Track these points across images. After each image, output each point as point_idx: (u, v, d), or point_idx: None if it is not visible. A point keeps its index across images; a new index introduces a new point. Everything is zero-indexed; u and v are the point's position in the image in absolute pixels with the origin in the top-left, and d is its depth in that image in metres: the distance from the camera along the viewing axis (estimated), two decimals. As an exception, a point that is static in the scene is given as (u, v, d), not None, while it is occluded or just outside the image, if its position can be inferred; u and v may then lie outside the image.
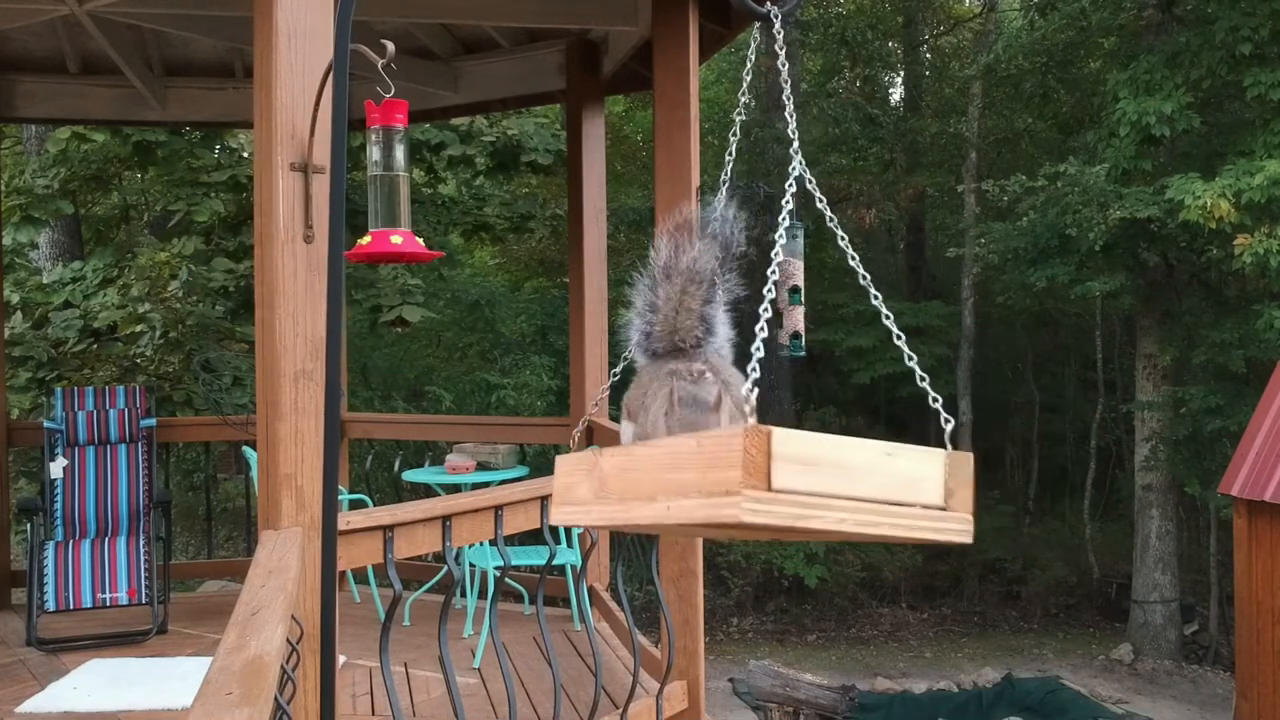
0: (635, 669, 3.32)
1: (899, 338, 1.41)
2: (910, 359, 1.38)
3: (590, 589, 4.78)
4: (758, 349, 1.27)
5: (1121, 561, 15.90)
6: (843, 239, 1.53)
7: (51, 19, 4.66)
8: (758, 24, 1.84)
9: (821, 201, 1.53)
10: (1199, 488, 13.88)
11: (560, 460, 1.40)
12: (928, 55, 21.61)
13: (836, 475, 1.10)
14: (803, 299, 2.36)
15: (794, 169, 1.50)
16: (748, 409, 1.20)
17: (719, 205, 1.56)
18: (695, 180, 3.68)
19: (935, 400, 1.33)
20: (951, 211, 19.36)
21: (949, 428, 1.28)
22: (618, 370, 1.67)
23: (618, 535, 4.58)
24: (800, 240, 2.36)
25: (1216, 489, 11.27)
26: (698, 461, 1.11)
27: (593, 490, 1.30)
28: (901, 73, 21.47)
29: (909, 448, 1.16)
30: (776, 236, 1.46)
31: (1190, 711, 12.61)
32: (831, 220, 1.54)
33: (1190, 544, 15.82)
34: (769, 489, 1.05)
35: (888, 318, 1.41)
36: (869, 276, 1.46)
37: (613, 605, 4.71)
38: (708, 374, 1.46)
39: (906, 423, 17.69)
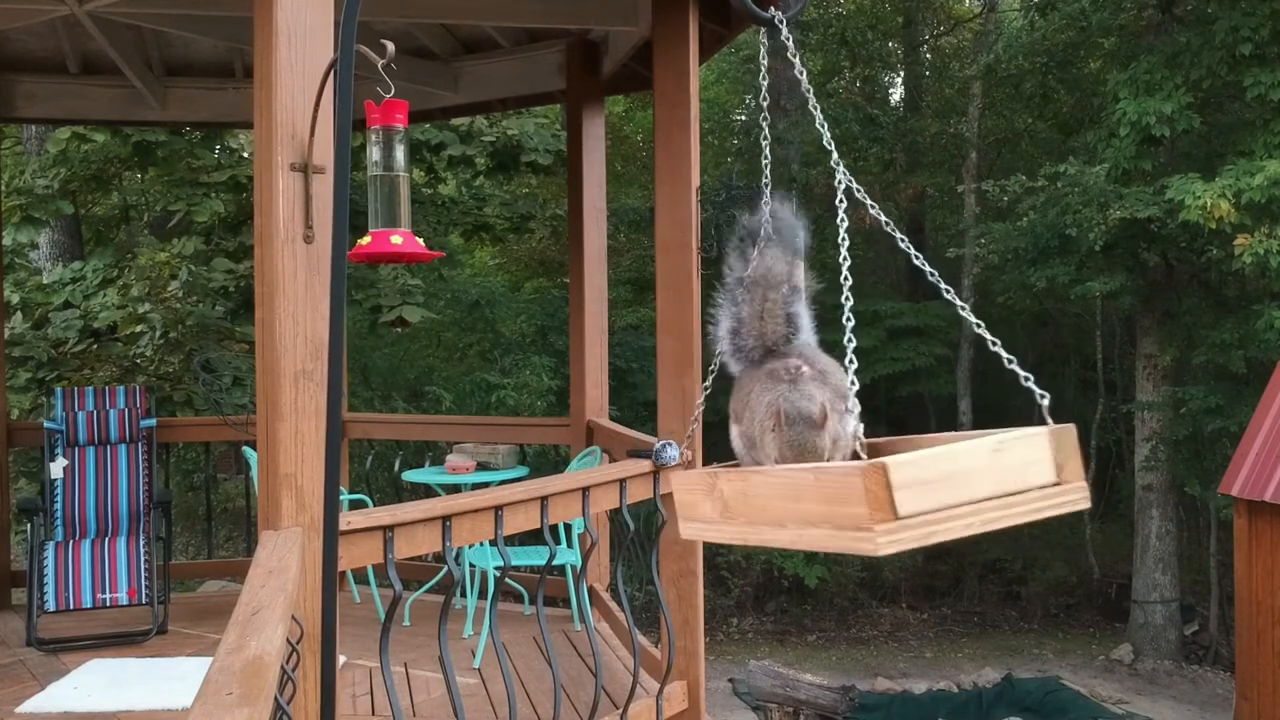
0: (635, 669, 3.32)
1: (963, 308, 1.52)
2: (994, 344, 1.43)
3: (590, 589, 4.78)
4: (854, 382, 1.31)
5: (1121, 561, 15.90)
6: (903, 242, 1.56)
7: (51, 19, 4.66)
8: (763, 29, 1.84)
9: (875, 208, 1.57)
10: (1199, 488, 13.87)
11: (677, 477, 1.47)
12: (928, 55, 21.61)
13: (954, 485, 1.13)
14: (802, 299, 2.36)
15: (839, 183, 1.53)
16: (859, 445, 1.23)
17: (774, 207, 1.60)
18: (695, 180, 3.68)
19: (1027, 379, 1.36)
20: (951, 211, 19.36)
21: (1044, 403, 1.30)
22: (708, 384, 1.73)
23: (617, 535, 4.58)
24: (800, 240, 2.35)
25: (1216, 489, 11.27)
26: (818, 494, 1.16)
27: (717, 510, 1.36)
28: (901, 73, 21.46)
29: (1014, 436, 1.19)
30: (839, 241, 1.48)
31: (1190, 711, 12.61)
32: (889, 224, 1.56)
33: (1190, 544, 15.82)
34: (896, 518, 1.09)
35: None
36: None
37: (613, 605, 4.71)
38: (804, 369, 1.51)
39: (906, 423, 17.68)
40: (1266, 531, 9.88)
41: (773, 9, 1.76)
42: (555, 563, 3.77)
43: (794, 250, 1.58)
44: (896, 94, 21.63)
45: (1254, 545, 10.01)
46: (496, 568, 4.21)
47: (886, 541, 1.08)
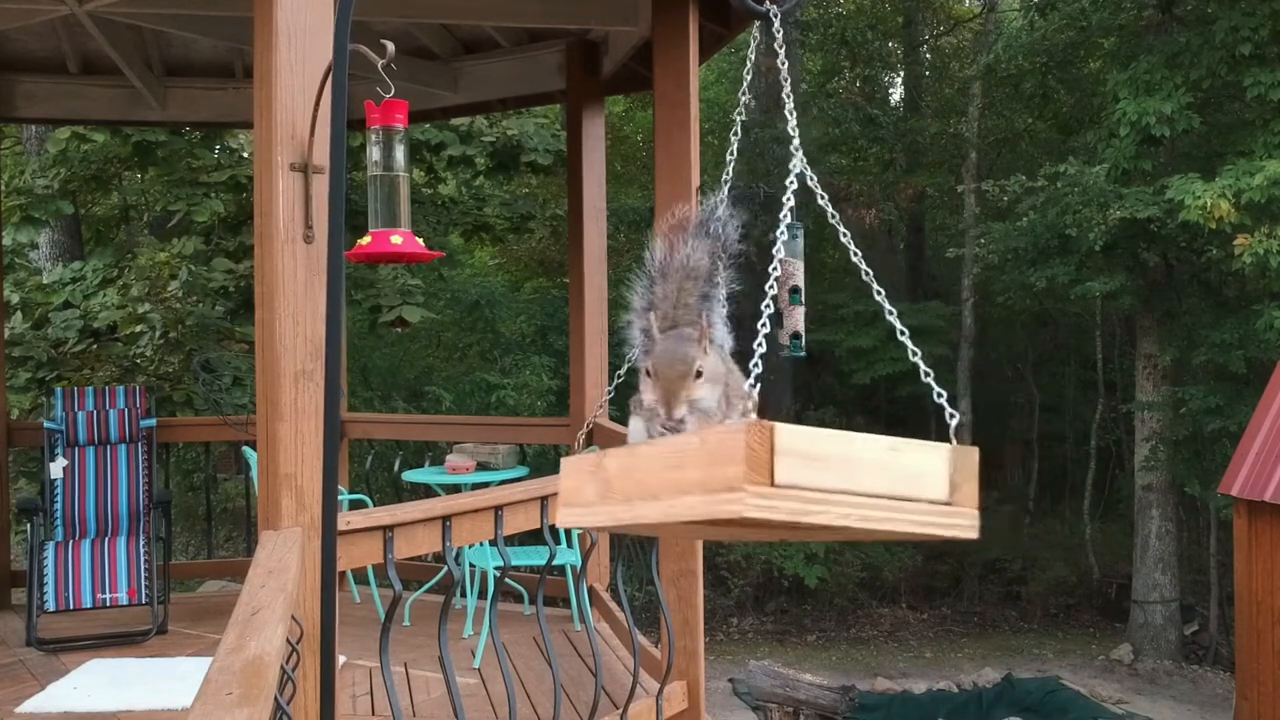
0: (635, 669, 3.32)
1: (903, 333, 1.42)
2: (914, 354, 1.39)
3: (590, 589, 4.78)
4: (760, 344, 1.28)
5: (1121, 561, 15.90)
6: (845, 236, 1.54)
7: (51, 19, 4.66)
8: (757, 24, 1.84)
9: (823, 199, 1.54)
10: (1199, 488, 13.88)
11: (565, 462, 1.39)
12: (928, 55, 21.61)
13: (841, 470, 1.10)
14: (803, 299, 2.36)
15: (794, 167, 1.50)
16: (749, 404, 1.20)
17: (714, 204, 1.57)
18: (695, 180, 3.68)
19: (940, 395, 1.33)
20: (951, 211, 19.36)
21: (954, 423, 1.28)
22: (621, 372, 1.67)
23: (618, 536, 4.58)
24: (800, 240, 2.35)
25: (1216, 489, 11.27)
26: (701, 458, 1.11)
27: (598, 491, 1.30)
28: (901, 73, 21.47)
29: (913, 442, 1.16)
30: (778, 234, 1.46)
31: (1190, 711, 12.61)
32: (834, 218, 1.54)
33: (1190, 544, 15.82)
34: (772, 484, 1.05)
35: (891, 313, 1.42)
36: (871, 273, 1.47)
37: (613, 605, 4.71)
38: (686, 330, 1.47)
39: (906, 423, 17.68)
40: (1266, 531, 9.88)
41: (768, 3, 1.76)
42: (555, 563, 3.78)
43: (719, 250, 1.56)
44: (896, 94, 21.63)
45: (1254, 545, 10.01)
46: (496, 568, 4.21)
47: (755, 505, 1.04)
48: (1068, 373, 19.42)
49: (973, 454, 1.19)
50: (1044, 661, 14.27)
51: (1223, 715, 12.14)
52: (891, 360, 16.33)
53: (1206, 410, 13.42)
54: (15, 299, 9.79)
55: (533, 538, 3.70)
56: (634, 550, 5.14)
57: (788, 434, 1.06)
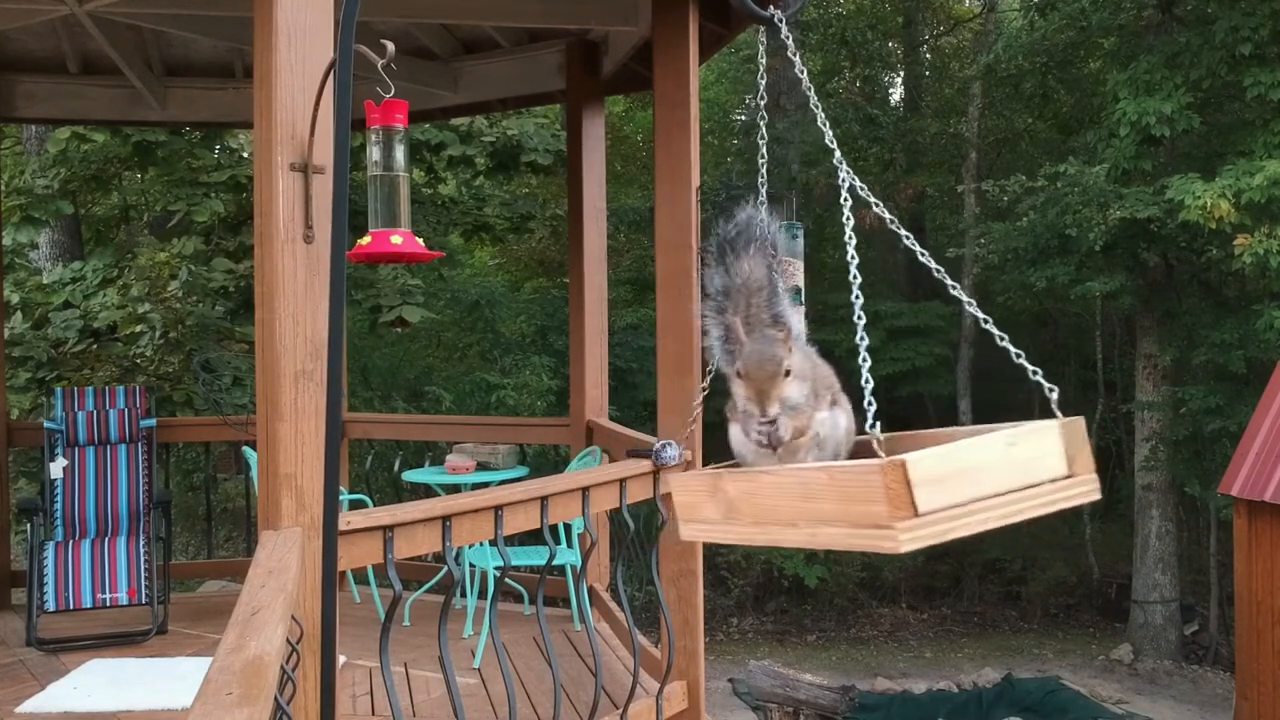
0: (635, 669, 3.32)
1: (969, 304, 1.54)
2: (1001, 339, 1.43)
3: (590, 589, 4.78)
4: (867, 380, 1.32)
5: (1121, 561, 15.90)
6: (907, 237, 1.57)
7: (51, 19, 4.66)
8: (763, 28, 1.84)
9: (879, 205, 1.58)
10: (1199, 488, 13.87)
11: (676, 479, 1.47)
12: (928, 55, 21.61)
13: (970, 481, 1.14)
14: (803, 299, 2.37)
15: (844, 181, 1.54)
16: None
17: (752, 215, 1.62)
18: (695, 180, 3.68)
19: (1036, 373, 1.37)
20: (951, 211, 19.36)
21: (1054, 396, 1.31)
22: (705, 384, 1.75)
23: (617, 535, 4.58)
24: (800, 240, 2.36)
25: (1216, 489, 11.27)
26: (832, 493, 1.16)
27: (720, 512, 1.36)
28: (901, 73, 21.47)
29: (1026, 430, 1.20)
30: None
31: (1190, 711, 12.61)
32: (894, 223, 1.57)
33: (1190, 544, 15.82)
34: (916, 515, 1.10)
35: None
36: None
37: (613, 605, 4.71)
38: (768, 332, 1.54)
39: (907, 423, 17.66)
40: (1266, 531, 9.88)
41: (772, 8, 1.76)
42: (555, 563, 3.77)
43: (770, 252, 1.60)
44: (896, 94, 21.63)
45: (1254, 545, 10.01)
46: (496, 568, 4.21)
47: (908, 539, 1.09)
48: (1068, 373, 19.41)
49: (1079, 423, 1.25)
50: (1044, 661, 14.27)
51: (1223, 715, 12.14)
52: (892, 360, 16.34)
53: (1206, 410, 13.42)
54: (15, 299, 9.79)
55: (533, 538, 3.70)
56: (634, 550, 5.14)
57: (919, 465, 1.11)
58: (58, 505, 5.08)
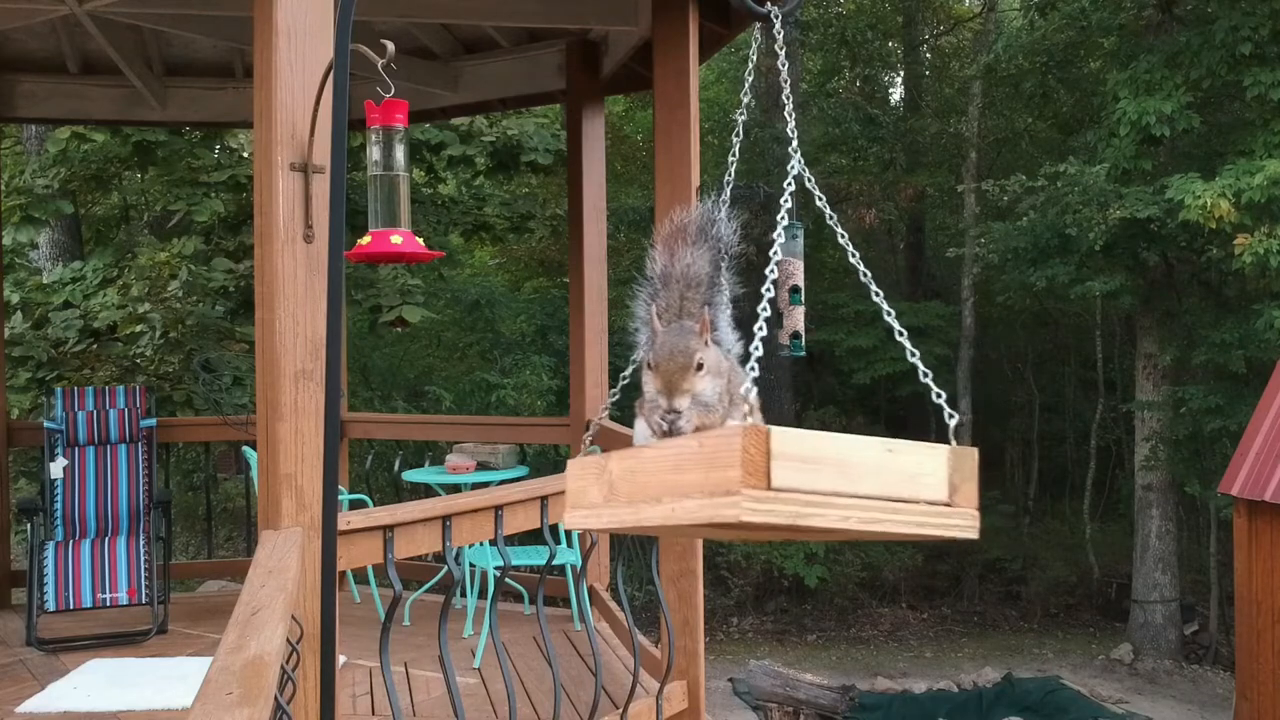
0: (635, 669, 3.32)
1: (901, 334, 1.42)
2: (912, 355, 1.39)
3: (590, 589, 4.78)
4: (756, 348, 1.28)
5: (1121, 561, 15.90)
6: (843, 237, 1.54)
7: (51, 19, 4.66)
8: (758, 24, 1.84)
9: (821, 200, 1.54)
10: (1199, 488, 13.88)
11: (571, 464, 1.40)
12: (928, 55, 21.61)
13: (838, 473, 1.09)
14: (803, 299, 2.37)
15: (793, 168, 1.51)
16: (747, 407, 1.20)
17: (711, 206, 1.57)
18: (695, 180, 3.68)
19: (939, 396, 1.33)
20: (951, 211, 19.35)
21: (952, 423, 1.28)
22: (626, 374, 1.67)
23: (618, 535, 4.58)
24: (800, 240, 2.36)
25: (1216, 489, 11.26)
26: (700, 461, 1.11)
27: (603, 494, 1.30)
28: (901, 73, 21.46)
29: (911, 444, 1.16)
30: (775, 236, 1.46)
31: (1190, 711, 12.61)
32: (832, 219, 1.55)
33: (1190, 544, 15.82)
34: (769, 488, 1.05)
35: (889, 314, 1.42)
36: (870, 274, 1.47)
37: (613, 605, 4.71)
38: (685, 323, 1.46)
39: (906, 422, 17.68)
40: (1266, 531, 9.88)
41: (769, 4, 1.76)
42: (555, 563, 3.78)
43: (720, 255, 1.56)
44: (896, 94, 21.63)
45: (1254, 545, 10.01)
46: (496, 568, 4.21)
47: (751, 508, 1.04)
48: (1068, 373, 19.42)
49: (971, 455, 1.19)
50: (1044, 661, 14.27)
51: (1223, 715, 12.14)
52: (891, 360, 16.33)
53: (1206, 410, 13.42)
54: (15, 299, 9.79)
55: (533, 537, 3.70)
56: (634, 550, 5.14)
57: (783, 437, 1.06)
58: (58, 505, 5.08)
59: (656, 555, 3.58)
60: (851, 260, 1.51)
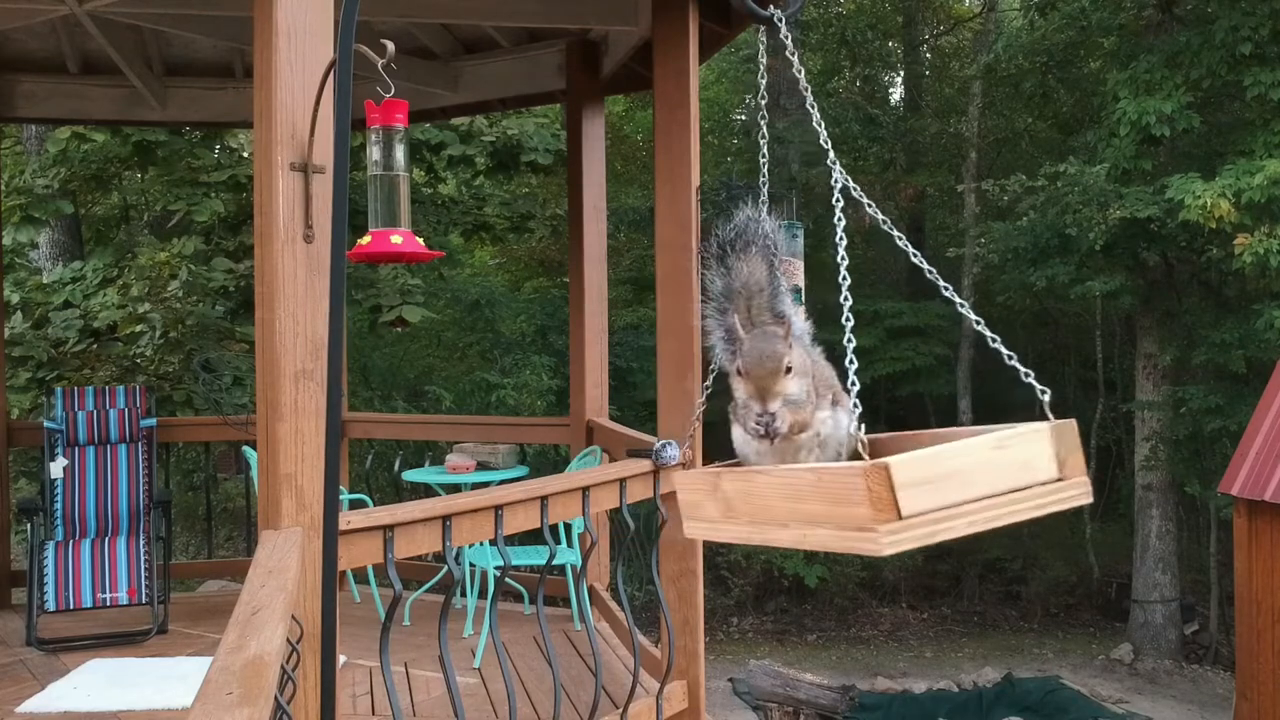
0: (635, 669, 3.32)
1: (963, 306, 1.53)
2: (994, 341, 1.44)
3: (590, 589, 4.78)
4: (853, 383, 1.32)
5: (1121, 561, 15.90)
6: (900, 239, 1.57)
7: (51, 19, 4.66)
8: (763, 27, 1.84)
9: (871, 206, 1.59)
10: (1199, 487, 13.87)
11: (680, 476, 1.48)
12: (928, 55, 21.61)
13: (956, 484, 1.12)
14: (803, 299, 2.37)
15: (836, 181, 1.55)
16: (858, 441, 1.24)
17: (751, 217, 1.62)
18: (695, 180, 3.68)
19: (1028, 375, 1.37)
20: (951, 211, 19.35)
21: (1045, 398, 1.30)
22: (708, 383, 1.76)
23: (617, 535, 4.58)
24: (800, 240, 2.36)
25: (1216, 489, 11.26)
26: (819, 495, 1.15)
27: (719, 510, 1.36)
28: (901, 73, 21.46)
29: (1016, 432, 1.19)
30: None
31: (1190, 711, 12.61)
32: (885, 223, 1.59)
33: (1190, 544, 15.82)
34: (899, 518, 1.09)
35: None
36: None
37: (613, 605, 4.71)
38: (768, 327, 1.54)
39: (906, 422, 17.68)
40: (1266, 531, 9.87)
41: (772, 7, 1.76)
42: (555, 562, 3.78)
43: (771, 252, 1.60)
44: (896, 94, 21.63)
45: (1254, 545, 10.01)
46: (496, 567, 4.21)
47: (890, 541, 1.08)
48: (1068, 372, 19.42)
49: (1071, 426, 1.23)
50: (1044, 661, 14.27)
51: (1223, 715, 12.14)
52: (892, 360, 16.33)
53: (1206, 410, 13.42)
54: (15, 299, 9.79)
55: (533, 537, 3.70)
56: (634, 550, 5.14)
57: (902, 468, 1.10)
58: (58, 505, 5.08)
59: (656, 555, 3.58)
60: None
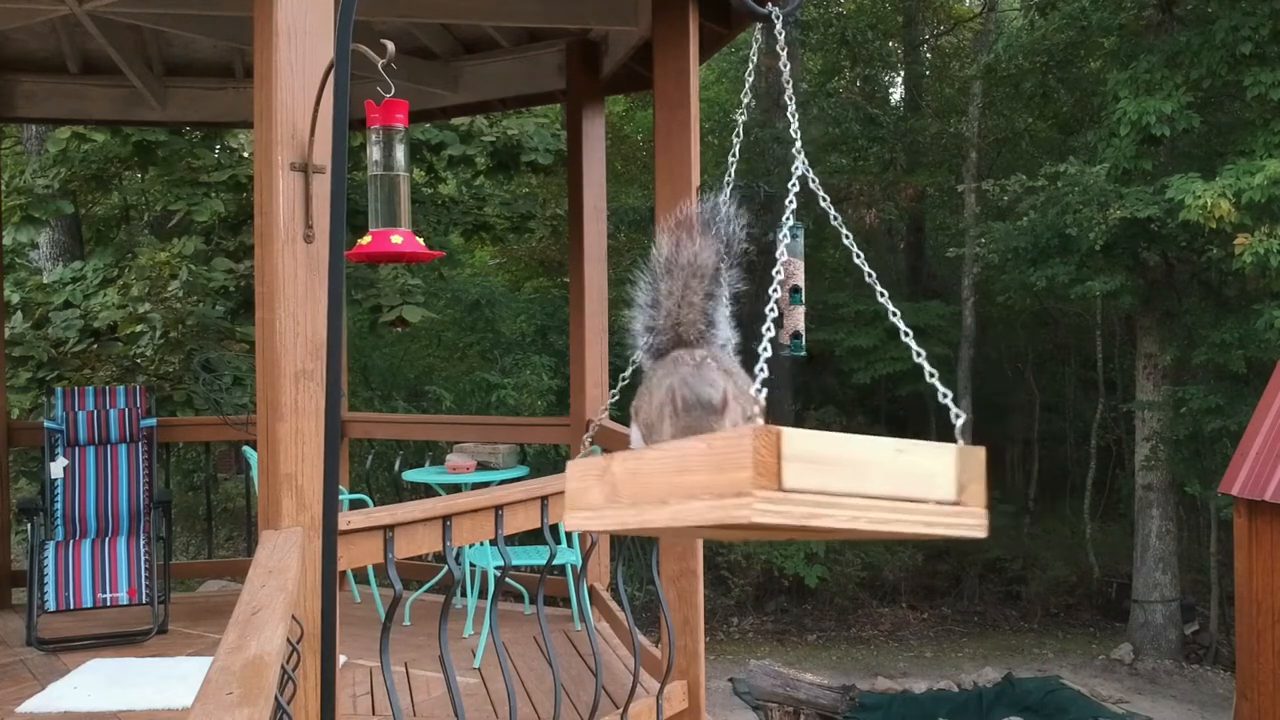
0: (635, 669, 3.32)
1: (907, 334, 1.42)
2: (918, 355, 1.39)
3: (590, 589, 4.78)
4: (764, 349, 1.28)
5: (1121, 561, 15.90)
6: (847, 237, 1.54)
7: (51, 19, 4.66)
8: (759, 24, 1.84)
9: (825, 200, 1.54)
10: (1199, 487, 13.87)
11: (571, 465, 1.39)
12: (928, 55, 21.61)
13: (848, 473, 1.10)
14: (803, 299, 2.37)
15: (797, 168, 1.51)
16: (757, 408, 1.20)
17: (721, 202, 1.57)
18: (695, 180, 3.68)
19: (945, 395, 1.33)
20: (951, 211, 19.35)
21: (959, 422, 1.28)
22: (626, 374, 1.66)
23: (618, 535, 4.58)
24: (800, 240, 2.36)
25: (1216, 489, 11.26)
26: (708, 463, 1.11)
27: (605, 495, 1.29)
28: (901, 73, 21.46)
29: (920, 444, 1.16)
30: (780, 237, 1.46)
31: (1190, 711, 12.61)
32: (836, 219, 1.55)
33: (1190, 544, 15.81)
34: (780, 489, 1.05)
35: (894, 315, 1.41)
36: (875, 274, 1.47)
37: (613, 605, 4.71)
38: (710, 360, 1.45)
39: (906, 422, 17.68)
40: (1266, 531, 9.87)
41: (771, 5, 1.76)
42: (555, 562, 3.78)
43: (729, 249, 1.56)
44: (896, 94, 21.63)
45: (1254, 545, 10.01)
46: (496, 567, 4.21)
47: (763, 509, 1.04)
48: (1068, 372, 19.42)
49: (979, 453, 1.19)
50: (1044, 661, 14.27)
51: (1223, 715, 12.14)
52: (891, 360, 16.33)
53: (1206, 410, 13.42)
54: (15, 299, 9.79)
55: (533, 537, 3.70)
56: (634, 550, 5.15)
57: (795, 438, 1.06)
58: (58, 505, 5.08)
59: (657, 555, 3.58)
60: (857, 261, 1.51)
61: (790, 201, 1.47)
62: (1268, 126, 12.72)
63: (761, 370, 1.25)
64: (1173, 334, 14.78)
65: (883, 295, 1.46)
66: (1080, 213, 13.29)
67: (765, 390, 1.23)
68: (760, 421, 1.17)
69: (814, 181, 1.53)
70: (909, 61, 21.01)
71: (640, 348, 1.56)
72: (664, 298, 1.53)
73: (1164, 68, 13.28)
